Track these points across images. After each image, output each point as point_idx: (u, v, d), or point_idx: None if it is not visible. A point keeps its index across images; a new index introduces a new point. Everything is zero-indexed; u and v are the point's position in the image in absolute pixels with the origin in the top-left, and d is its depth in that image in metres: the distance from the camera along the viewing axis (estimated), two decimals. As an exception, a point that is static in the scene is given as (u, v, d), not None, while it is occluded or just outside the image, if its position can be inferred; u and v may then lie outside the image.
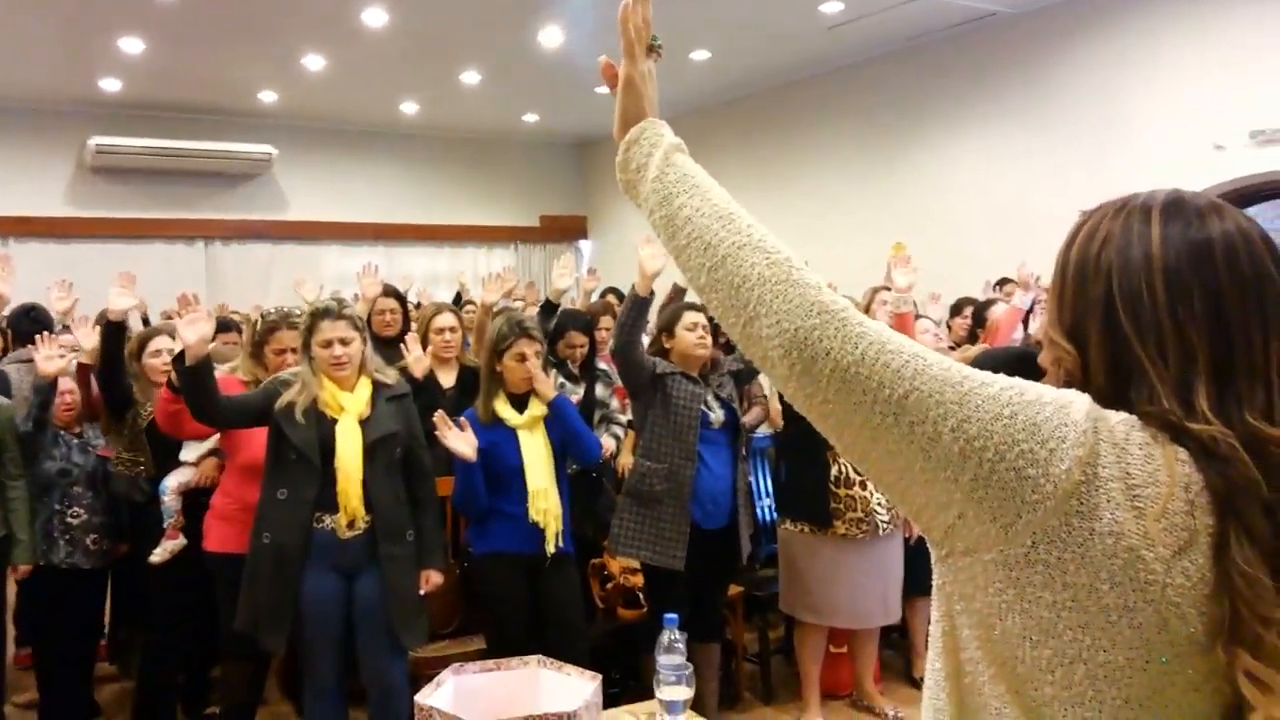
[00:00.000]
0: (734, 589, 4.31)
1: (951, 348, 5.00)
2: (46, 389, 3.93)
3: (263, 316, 3.83)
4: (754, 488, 4.80)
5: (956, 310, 5.81)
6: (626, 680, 4.29)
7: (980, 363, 1.44)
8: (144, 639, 4.22)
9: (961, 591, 0.92)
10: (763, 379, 5.19)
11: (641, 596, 4.03)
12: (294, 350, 3.67)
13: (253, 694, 3.75)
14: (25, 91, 8.00)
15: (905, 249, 5.73)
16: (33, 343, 3.98)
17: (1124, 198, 1.00)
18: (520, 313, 3.95)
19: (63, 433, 4.05)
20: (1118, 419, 0.89)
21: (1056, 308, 1.00)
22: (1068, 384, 0.95)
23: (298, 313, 3.83)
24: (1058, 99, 6.78)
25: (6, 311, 4.21)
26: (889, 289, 5.44)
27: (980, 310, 5.49)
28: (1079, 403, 0.89)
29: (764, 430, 4.91)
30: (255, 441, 3.50)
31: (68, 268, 4.49)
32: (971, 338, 5.41)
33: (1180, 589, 0.85)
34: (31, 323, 5.27)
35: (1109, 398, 0.92)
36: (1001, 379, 0.91)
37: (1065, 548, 0.85)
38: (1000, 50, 7.12)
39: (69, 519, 3.98)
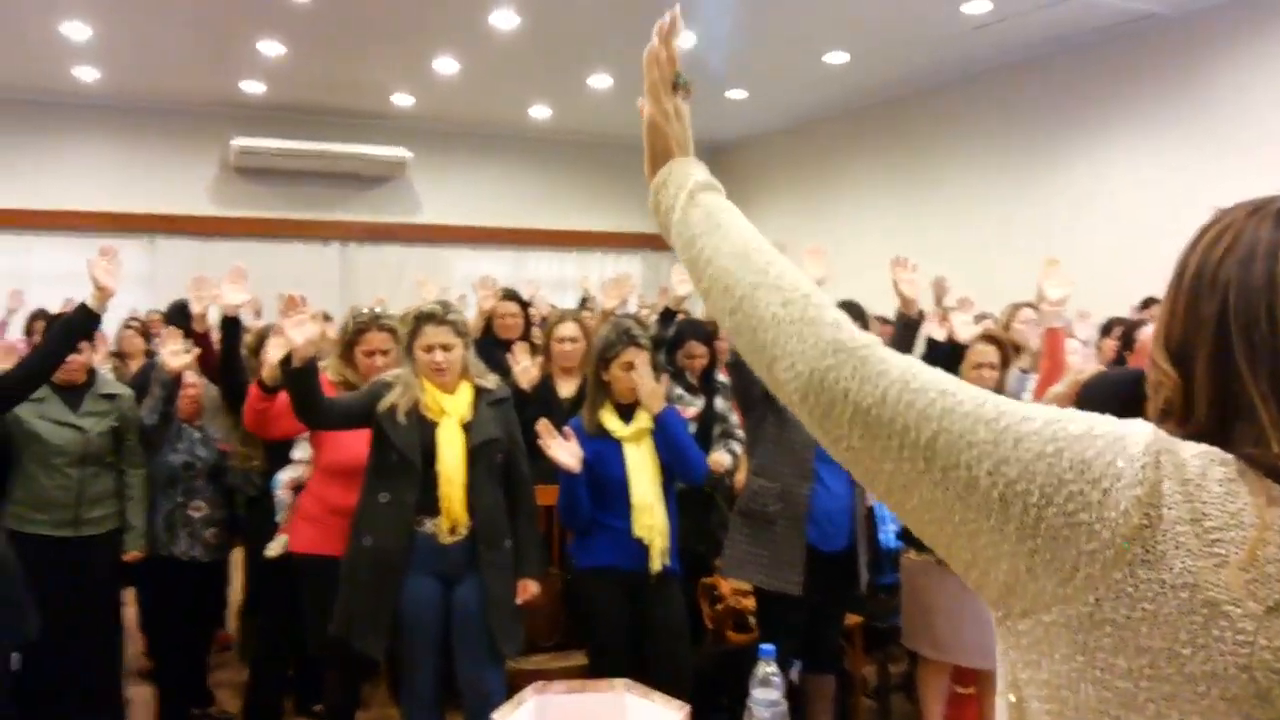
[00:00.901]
0: (853, 618, 4.07)
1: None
2: (171, 383, 4.01)
3: (353, 318, 3.81)
4: (876, 511, 4.55)
5: (1107, 330, 5.43)
6: (735, 708, 4.09)
7: (1094, 385, 1.25)
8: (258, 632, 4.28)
9: (1025, 659, 0.81)
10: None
11: (752, 621, 3.84)
12: (383, 352, 3.67)
13: (349, 696, 3.72)
14: (172, 94, 8.32)
15: (1059, 264, 5.38)
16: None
17: (1264, 198, 0.85)
18: (628, 320, 3.81)
19: (185, 426, 4.12)
20: (1191, 452, 0.77)
21: (1165, 323, 0.86)
22: (1164, 414, 0.83)
23: (387, 315, 3.84)
24: (1219, 106, 6.28)
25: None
26: (1031, 306, 5.13)
27: (1129, 331, 5.11)
28: (1137, 434, 0.77)
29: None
30: (341, 443, 3.48)
31: (209, 265, 4.60)
32: (1119, 360, 5.03)
33: (1277, 654, 0.71)
34: (185, 318, 5.46)
35: (1210, 435, 0.79)
36: (1047, 411, 0.81)
37: (1134, 605, 0.73)
38: (1157, 53, 6.65)
39: (190, 512, 4.05)
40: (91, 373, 3.94)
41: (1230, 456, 0.75)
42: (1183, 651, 0.72)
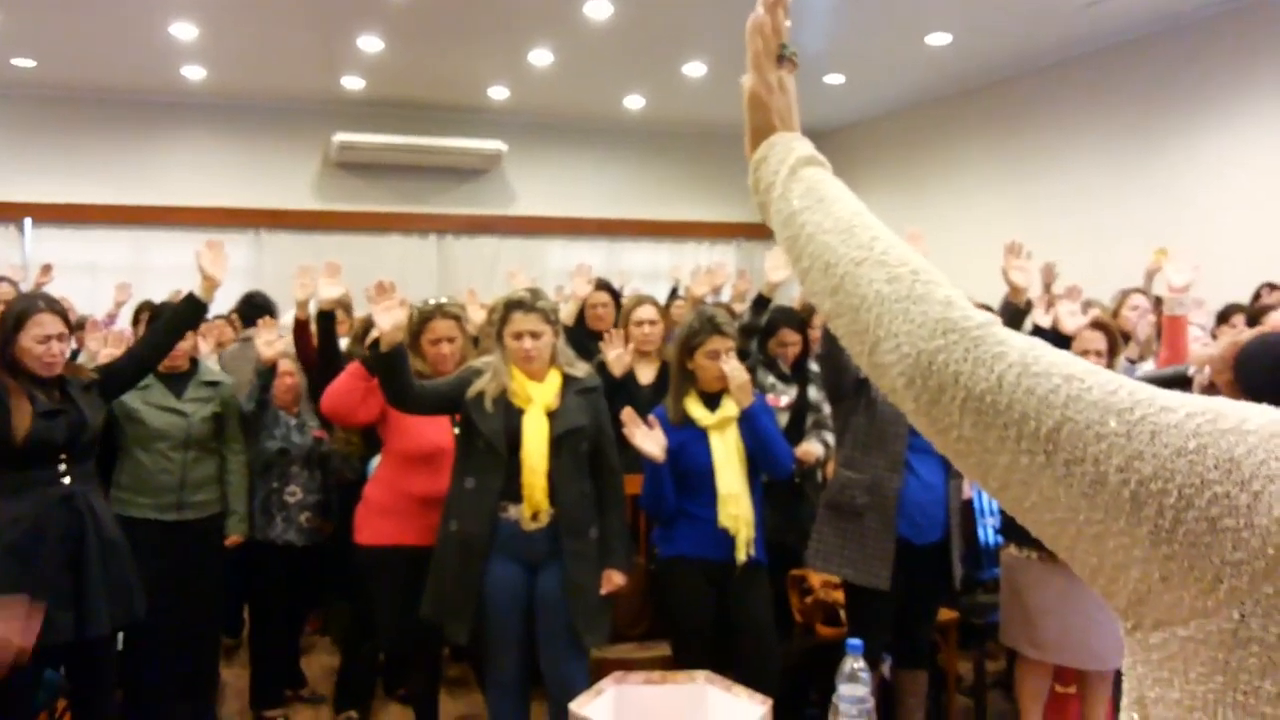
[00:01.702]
0: (948, 614, 3.94)
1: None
2: (267, 372, 4.11)
3: (417, 309, 3.84)
4: (975, 504, 4.40)
5: (1224, 318, 5.17)
6: (824, 703, 4.00)
7: (1255, 349, 1.14)
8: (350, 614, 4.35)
9: (1156, 675, 0.72)
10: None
11: (842, 614, 3.75)
12: (449, 339, 3.70)
13: (431, 682, 3.76)
14: (276, 90, 8.52)
15: (1167, 255, 5.14)
16: (254, 325, 4.16)
17: None
18: (713, 308, 3.75)
19: (282, 413, 4.21)
20: None
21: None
22: None
23: (451, 303, 3.88)
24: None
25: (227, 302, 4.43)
26: (1142, 292, 4.90)
27: (1254, 317, 4.85)
28: None
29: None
30: (413, 431, 3.52)
31: (313, 258, 4.70)
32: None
33: None
34: (253, 308, 5.62)
35: None
36: (1192, 402, 0.71)
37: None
38: (1277, 30, 6.28)
39: (285, 497, 4.14)
40: (194, 360, 4.05)
41: None
42: None
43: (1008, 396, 0.74)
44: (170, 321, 3.68)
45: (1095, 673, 3.70)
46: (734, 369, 3.35)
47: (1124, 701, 0.78)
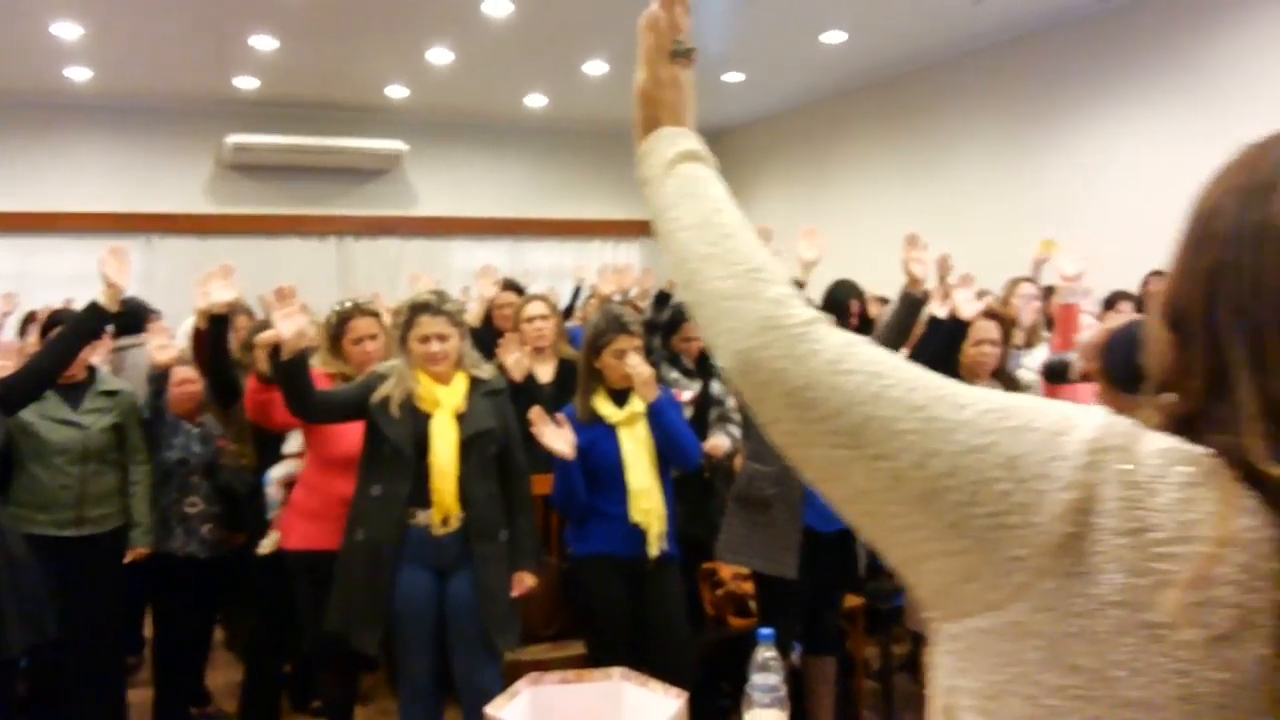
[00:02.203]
0: (854, 600, 4.03)
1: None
2: (159, 377, 3.99)
3: (335, 310, 3.79)
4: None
5: (1110, 304, 5.38)
6: (737, 694, 4.06)
7: (1121, 335, 1.19)
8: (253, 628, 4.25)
9: (958, 665, 0.74)
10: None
11: (753, 605, 3.80)
12: (371, 337, 3.66)
13: (347, 692, 3.70)
14: (165, 92, 8.28)
15: (1055, 246, 5.31)
16: (127, 334, 4.04)
17: None
18: (619, 306, 3.77)
19: (183, 422, 4.09)
20: (1153, 448, 0.68)
21: (1169, 279, 0.76)
22: (1163, 386, 0.74)
23: (369, 301, 3.84)
24: (1223, 74, 6.19)
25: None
26: (1030, 281, 5.07)
27: (1141, 304, 5.07)
28: (1082, 427, 0.69)
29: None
30: (339, 436, 3.46)
31: (207, 263, 4.55)
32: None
33: (1223, 687, 0.63)
34: (129, 316, 5.44)
35: (1204, 416, 0.70)
36: (987, 398, 0.73)
37: (1065, 619, 0.66)
38: (1160, 23, 6.56)
39: (185, 508, 4.03)
40: (91, 369, 3.92)
41: (1201, 452, 0.67)
42: (1116, 674, 0.65)
43: (820, 392, 0.76)
44: (72, 331, 3.56)
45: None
46: (636, 364, 3.37)
47: (933, 690, 0.81)
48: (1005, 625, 0.69)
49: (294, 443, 3.87)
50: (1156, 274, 5.71)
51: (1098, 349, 1.19)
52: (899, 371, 0.76)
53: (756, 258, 0.87)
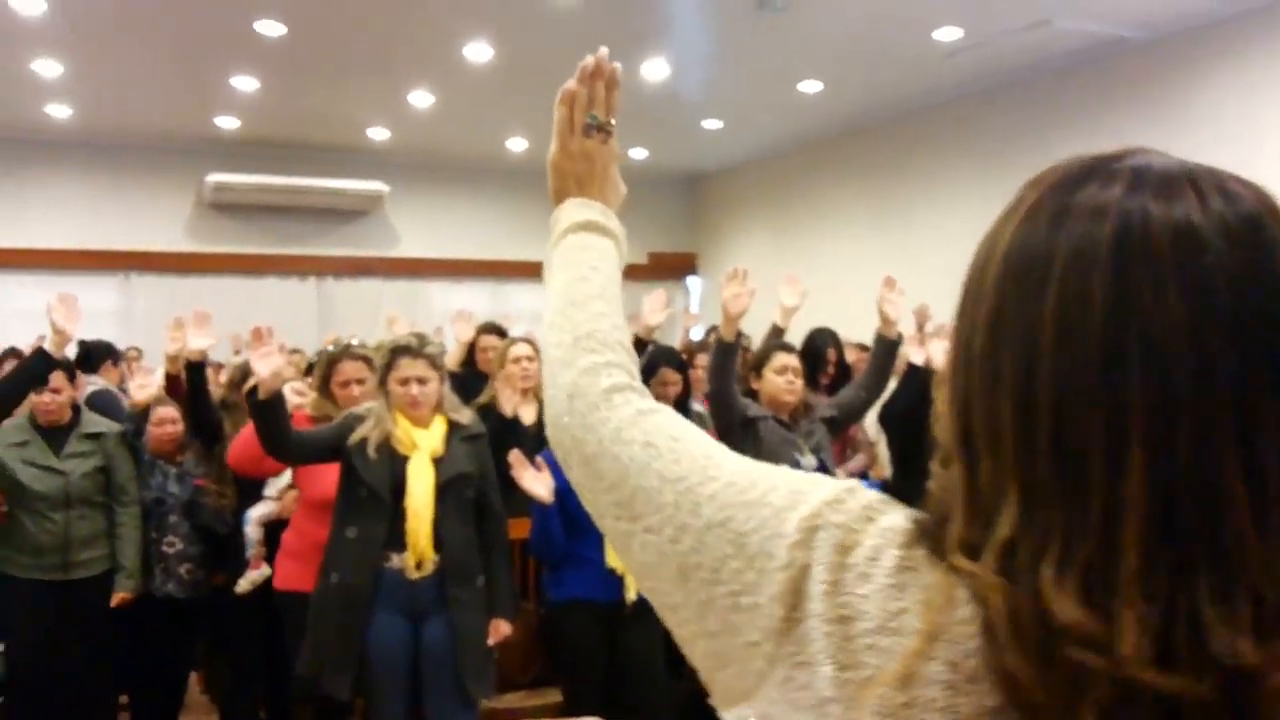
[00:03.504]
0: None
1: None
2: (138, 417, 3.98)
3: (322, 353, 3.80)
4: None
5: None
6: (716, 741, 4.03)
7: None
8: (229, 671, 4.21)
9: None
10: (868, 423, 4.92)
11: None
12: (359, 381, 3.66)
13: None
14: (146, 129, 8.28)
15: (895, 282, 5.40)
16: (92, 372, 4.03)
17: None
18: None
19: (160, 462, 4.07)
20: (881, 527, 0.61)
21: (952, 355, 0.67)
22: (945, 462, 0.65)
23: (357, 344, 3.86)
24: (1195, 130, 6.32)
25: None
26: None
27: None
28: (810, 501, 0.63)
29: (871, 478, 4.64)
30: (327, 478, 3.45)
31: (185, 302, 4.54)
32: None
33: None
34: (92, 357, 5.44)
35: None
36: (741, 469, 0.69)
37: (797, 713, 0.60)
38: (1130, 79, 6.70)
39: (164, 548, 4.01)
40: (77, 410, 3.90)
41: (921, 536, 0.60)
42: None
43: (605, 462, 0.75)
44: (16, 377, 3.56)
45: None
46: None
47: None
48: (758, 717, 0.62)
49: (274, 485, 3.86)
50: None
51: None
52: (674, 442, 0.74)
53: (585, 327, 0.86)
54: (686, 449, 0.73)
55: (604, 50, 1.09)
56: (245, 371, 4.09)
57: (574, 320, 0.87)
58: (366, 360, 3.77)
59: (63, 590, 3.70)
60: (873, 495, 0.65)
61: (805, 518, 0.63)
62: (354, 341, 3.93)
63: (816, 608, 0.59)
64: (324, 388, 3.71)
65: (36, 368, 3.54)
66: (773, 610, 0.61)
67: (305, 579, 3.44)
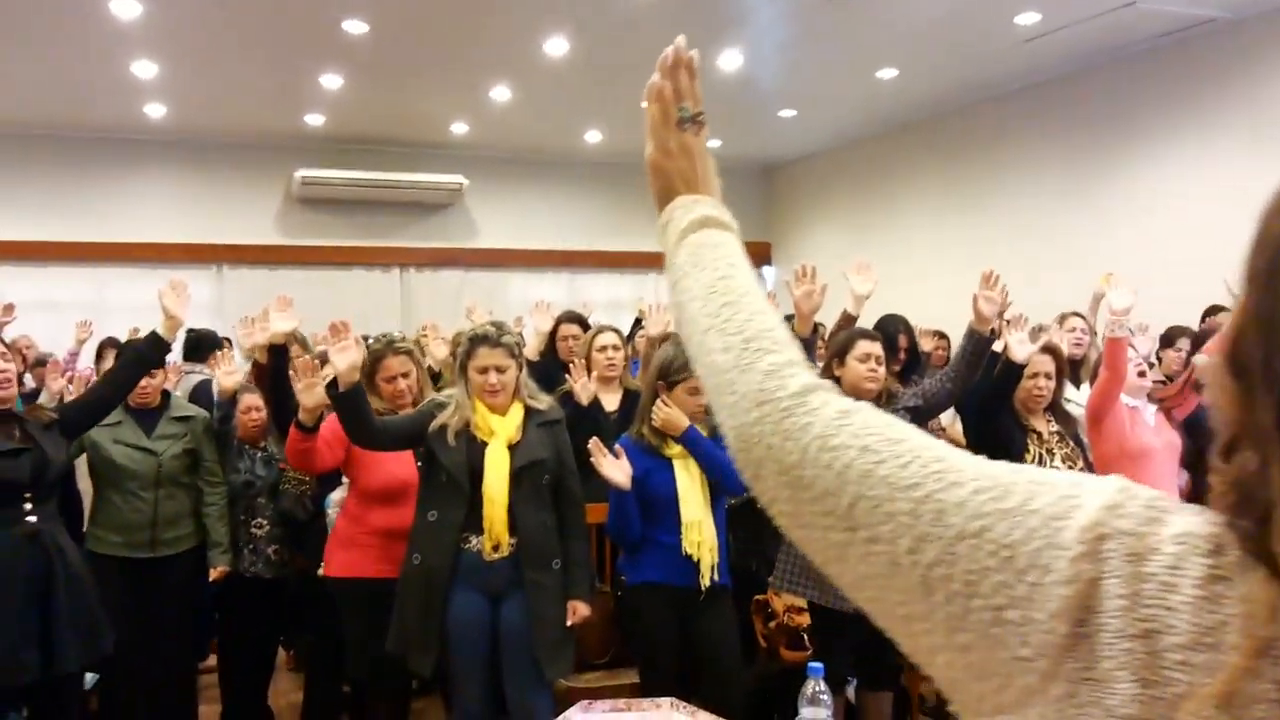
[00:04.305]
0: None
1: (1161, 382, 4.56)
2: (226, 404, 4.13)
3: (368, 347, 3.85)
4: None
5: (1168, 341, 5.31)
6: (789, 726, 4.07)
7: None
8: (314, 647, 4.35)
9: None
10: (945, 414, 4.89)
11: (806, 638, 3.81)
12: (404, 375, 3.75)
13: (396, 715, 3.77)
14: (238, 127, 8.54)
15: (1114, 276, 5.29)
16: (200, 361, 4.18)
17: None
18: None
19: (247, 447, 4.22)
20: (1174, 531, 0.57)
21: (1234, 321, 0.63)
22: (1228, 445, 0.61)
23: (400, 340, 3.92)
24: (1282, 109, 6.14)
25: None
26: (1081, 316, 5.05)
27: (1199, 339, 5.00)
28: (1085, 507, 0.59)
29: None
30: (375, 466, 3.57)
31: (275, 293, 4.69)
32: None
33: None
34: (198, 346, 5.62)
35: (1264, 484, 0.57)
36: (988, 472, 0.64)
37: None
38: (1216, 58, 6.51)
39: (253, 529, 4.15)
40: (166, 395, 4.07)
41: (1232, 540, 0.56)
42: None
43: (811, 470, 0.70)
44: (133, 360, 3.70)
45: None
46: (662, 407, 3.45)
47: None
48: None
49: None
50: (1214, 310, 5.64)
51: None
52: (894, 445, 0.69)
53: (753, 326, 0.82)
54: (913, 451, 0.68)
55: (681, 39, 1.06)
56: (325, 359, 4.24)
57: (736, 321, 0.83)
58: (410, 354, 3.85)
59: (149, 567, 3.84)
60: (1146, 492, 0.61)
61: (1086, 527, 0.58)
62: (393, 334, 4.01)
63: (1112, 623, 0.56)
64: (369, 382, 3.74)
65: (151, 351, 3.69)
66: (1053, 626, 0.57)
67: (357, 565, 3.57)
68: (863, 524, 0.67)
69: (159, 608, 3.86)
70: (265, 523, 4.16)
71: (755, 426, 0.75)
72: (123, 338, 5.57)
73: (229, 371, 4.12)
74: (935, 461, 0.67)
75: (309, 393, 3.25)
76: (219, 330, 7.28)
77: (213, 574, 4.00)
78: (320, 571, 3.89)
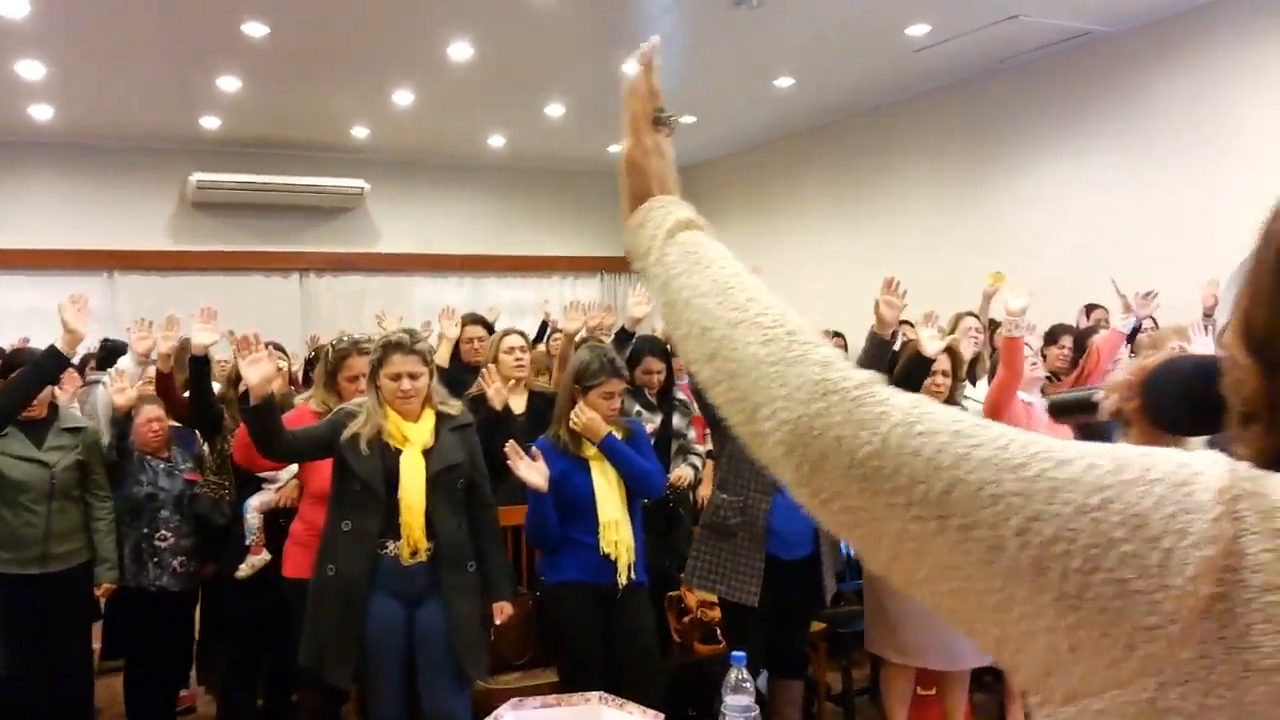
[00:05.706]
0: (817, 625, 4.16)
1: (1047, 378, 4.79)
2: (123, 420, 4.04)
3: (333, 346, 3.86)
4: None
5: (1052, 339, 5.57)
6: (706, 717, 4.17)
7: (1162, 376, 1.09)
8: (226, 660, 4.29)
9: None
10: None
11: (719, 632, 3.92)
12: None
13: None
14: (129, 130, 8.32)
15: (1004, 278, 5.52)
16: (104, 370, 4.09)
17: None
18: (609, 348, 3.86)
19: (149, 458, 4.14)
20: None
21: (1246, 305, 0.68)
22: (1246, 420, 0.67)
23: (367, 340, 3.87)
24: (1159, 118, 6.51)
25: (82, 349, 4.35)
26: (974, 315, 5.27)
27: (1081, 338, 5.26)
28: (1209, 473, 0.61)
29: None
30: (323, 469, 3.53)
31: (169, 300, 4.60)
32: (1073, 366, 5.17)
33: None
34: (111, 355, 5.51)
35: None
36: (1089, 450, 0.64)
37: (1210, 692, 0.57)
38: (1094, 70, 6.87)
39: (156, 542, 4.07)
40: (54, 407, 3.96)
41: None
42: None
43: (893, 459, 0.68)
44: (31, 374, 3.62)
45: (953, 673, 3.97)
46: (581, 411, 3.51)
47: None
48: (1133, 704, 0.60)
49: (286, 474, 3.96)
50: (1092, 307, 5.95)
51: (1138, 387, 1.14)
52: (982, 429, 0.68)
53: (791, 320, 0.81)
54: (1005, 434, 0.68)
55: (655, 39, 1.06)
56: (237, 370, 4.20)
57: (769, 314, 0.81)
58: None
59: (41, 582, 3.73)
60: (1242, 462, 0.63)
61: (1225, 488, 0.60)
62: (356, 336, 3.98)
63: (1256, 579, 0.57)
64: (330, 382, 3.75)
65: (49, 365, 3.61)
66: (1192, 589, 0.58)
67: (308, 566, 3.54)
68: (957, 510, 0.65)
69: (52, 625, 3.75)
70: (170, 535, 4.08)
71: (820, 418, 0.72)
72: (8, 347, 5.40)
73: (120, 389, 4.00)
74: (1032, 443, 0.66)
75: (254, 367, 3.14)
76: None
77: (98, 590, 3.91)
78: (239, 573, 3.86)
